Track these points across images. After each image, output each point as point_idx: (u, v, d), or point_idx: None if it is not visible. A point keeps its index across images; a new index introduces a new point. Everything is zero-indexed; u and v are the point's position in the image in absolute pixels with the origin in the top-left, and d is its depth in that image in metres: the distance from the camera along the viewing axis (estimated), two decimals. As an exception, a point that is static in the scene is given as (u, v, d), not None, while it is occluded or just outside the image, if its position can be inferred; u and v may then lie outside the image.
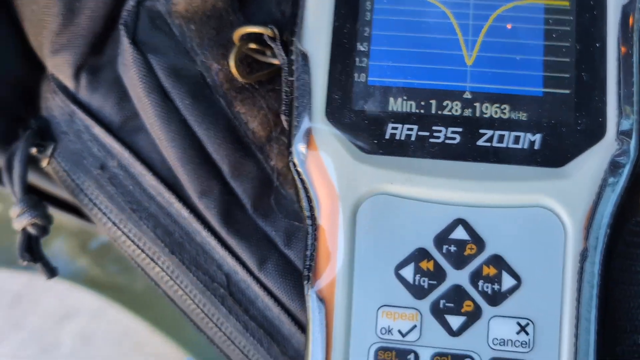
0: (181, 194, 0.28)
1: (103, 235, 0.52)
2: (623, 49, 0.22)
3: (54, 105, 0.29)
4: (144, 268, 0.30)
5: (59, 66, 0.27)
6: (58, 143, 0.29)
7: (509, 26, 0.24)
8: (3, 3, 0.29)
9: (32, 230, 0.28)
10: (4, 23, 0.29)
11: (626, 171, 0.22)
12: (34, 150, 0.28)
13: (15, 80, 0.30)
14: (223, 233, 0.27)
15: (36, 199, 0.28)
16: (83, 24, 0.27)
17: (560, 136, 0.22)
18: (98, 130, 0.28)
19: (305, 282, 0.23)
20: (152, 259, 0.29)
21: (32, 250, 0.28)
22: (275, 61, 0.26)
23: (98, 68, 0.28)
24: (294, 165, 0.23)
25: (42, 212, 0.28)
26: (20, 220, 0.27)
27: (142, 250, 0.29)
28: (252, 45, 0.26)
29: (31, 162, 0.29)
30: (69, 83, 0.28)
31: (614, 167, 0.22)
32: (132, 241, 0.29)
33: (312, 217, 0.23)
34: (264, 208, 0.27)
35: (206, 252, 0.28)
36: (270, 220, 0.27)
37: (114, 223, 0.29)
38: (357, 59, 0.24)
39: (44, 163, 0.29)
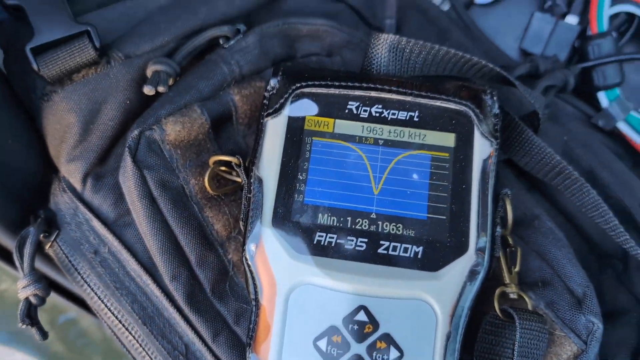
0: (156, 277, 0.35)
1: (72, 312, 0.58)
2: (481, 190, 0.32)
3: (61, 200, 0.36)
4: (119, 337, 0.36)
5: (71, 172, 0.35)
6: (61, 231, 0.36)
7: (405, 168, 0.33)
8: (31, 118, 0.37)
9: (33, 300, 0.35)
10: (29, 133, 0.37)
11: (480, 277, 0.30)
12: (41, 236, 0.36)
13: (32, 179, 0.37)
14: (186, 310, 0.35)
15: (40, 274, 0.35)
16: (94, 141, 0.35)
17: (436, 249, 0.31)
18: (96, 223, 0.35)
19: (247, 347, 0.30)
20: (127, 329, 0.36)
21: (31, 316, 0.35)
22: (238, 179, 0.35)
23: (102, 175, 0.36)
24: (246, 259, 0.31)
25: (44, 285, 0.35)
26: (26, 291, 0.34)
27: (120, 321, 0.36)
28: (222, 168, 0.35)
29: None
30: (77, 185, 0.36)
31: (472, 274, 0.30)
32: (112, 313, 0.36)
33: (256, 299, 0.31)
34: (220, 292, 0.35)
35: (171, 325, 0.36)
36: (225, 302, 0.35)
37: (99, 297, 0.36)
38: (297, 185, 0.32)
39: (47, 246, 0.36)
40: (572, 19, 0.51)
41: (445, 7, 0.53)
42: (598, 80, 0.49)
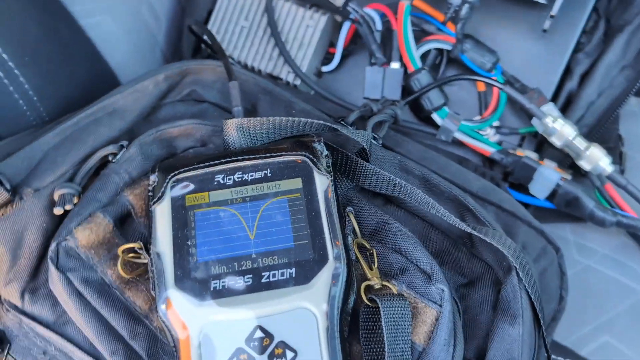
0: (99, 358, 0.42)
1: None
2: (327, 213, 0.41)
3: (7, 319, 0.43)
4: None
5: (10, 293, 0.43)
6: (12, 343, 0.43)
7: (270, 213, 0.42)
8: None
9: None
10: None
11: (341, 278, 0.39)
12: (-6, 354, 0.42)
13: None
14: (130, 378, 0.42)
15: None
16: (23, 264, 0.43)
17: (305, 266, 0.39)
18: (39, 329, 0.42)
19: (175, 385, 0.38)
20: None
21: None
22: (146, 261, 0.43)
23: (36, 289, 0.43)
24: (160, 317, 0.39)
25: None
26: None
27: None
28: (130, 255, 0.43)
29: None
30: (17, 302, 0.43)
31: (335, 277, 0.39)
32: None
33: (175, 345, 0.38)
34: (155, 354, 0.42)
35: None
36: (161, 362, 0.42)
37: (55, 391, 0.42)
38: (189, 250, 0.40)
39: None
40: (394, 65, 0.63)
41: (297, 82, 0.65)
42: (427, 106, 0.61)
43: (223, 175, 0.43)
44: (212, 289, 0.39)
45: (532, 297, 0.43)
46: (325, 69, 0.67)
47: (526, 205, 0.63)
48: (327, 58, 0.68)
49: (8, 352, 0.43)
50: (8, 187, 0.43)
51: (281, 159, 0.43)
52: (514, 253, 0.43)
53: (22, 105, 0.54)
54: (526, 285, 0.43)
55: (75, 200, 0.44)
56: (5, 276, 0.43)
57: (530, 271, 0.44)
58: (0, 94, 0.52)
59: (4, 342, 0.43)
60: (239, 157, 0.43)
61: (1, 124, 0.50)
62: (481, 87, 0.64)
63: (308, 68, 0.64)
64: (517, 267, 0.42)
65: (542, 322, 0.43)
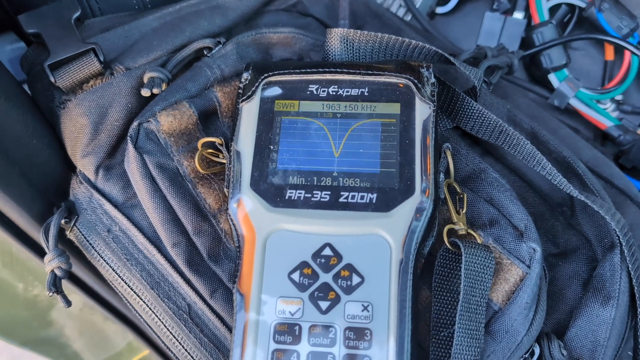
0: (160, 248, 0.41)
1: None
2: (422, 144, 0.38)
3: (78, 191, 0.43)
4: (131, 303, 0.42)
5: (86, 165, 0.42)
6: (79, 216, 0.43)
7: (360, 134, 0.39)
8: (51, 127, 0.44)
9: (58, 272, 0.41)
10: (49, 136, 0.44)
11: (426, 213, 0.36)
12: (63, 222, 0.42)
13: (53, 175, 0.44)
14: (187, 273, 0.40)
15: (63, 250, 0.41)
16: (103, 139, 0.42)
17: (387, 194, 0.36)
18: (108, 206, 0.42)
19: (233, 284, 0.36)
20: (137, 295, 0.42)
21: (56, 286, 0.41)
22: (224, 161, 0.41)
23: (111, 167, 0.43)
24: (230, 215, 0.37)
25: (66, 259, 0.41)
26: (51, 264, 0.40)
27: (131, 288, 0.42)
28: (210, 150, 0.41)
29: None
30: (91, 176, 0.42)
31: (418, 211, 0.36)
32: (125, 281, 0.42)
33: (239, 246, 0.37)
34: (215, 256, 0.41)
35: (175, 288, 0.41)
36: (219, 264, 0.40)
37: (113, 269, 0.42)
38: (269, 154, 0.38)
39: (68, 232, 0.43)
40: (518, 15, 0.57)
41: (407, 17, 0.61)
42: (546, 64, 0.55)
43: (317, 86, 0.40)
44: (286, 197, 0.37)
45: (634, 280, 0.38)
46: (440, 9, 0.62)
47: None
48: (444, -1, 0.63)
49: (75, 224, 0.42)
50: (102, 59, 0.42)
51: (382, 79, 0.40)
52: (622, 229, 0.38)
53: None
54: (630, 265, 0.38)
55: (164, 86, 0.43)
56: (84, 148, 0.42)
57: (636, 253, 0.39)
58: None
59: (73, 213, 0.43)
60: (337, 70, 0.40)
61: (104, 1, 0.49)
62: (609, 55, 0.57)
63: (422, 4, 0.60)
64: (624, 245, 0.38)
65: (639, 310, 0.38)
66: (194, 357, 0.41)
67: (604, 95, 0.56)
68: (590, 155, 0.47)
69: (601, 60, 0.59)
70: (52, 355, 0.63)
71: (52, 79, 0.41)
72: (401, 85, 0.39)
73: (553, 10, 0.58)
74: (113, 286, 0.42)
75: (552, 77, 0.56)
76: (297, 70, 0.40)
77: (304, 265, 0.35)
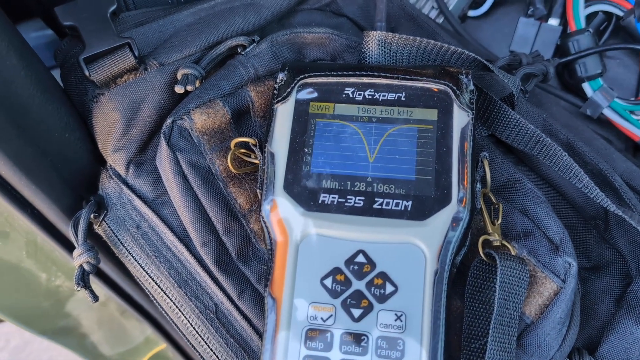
0: (189, 246, 0.41)
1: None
2: (460, 152, 0.37)
3: (108, 186, 0.43)
4: (158, 300, 0.42)
5: (116, 160, 0.42)
6: (108, 211, 0.42)
7: (395, 139, 0.38)
8: (83, 121, 0.44)
9: (86, 267, 0.41)
10: (81, 130, 0.44)
11: (462, 223, 0.35)
12: (92, 216, 0.42)
13: (83, 169, 0.44)
14: (215, 273, 0.40)
15: (91, 245, 0.41)
16: (135, 135, 0.42)
17: (423, 202, 0.36)
18: (137, 202, 0.42)
19: (265, 288, 0.35)
20: (164, 292, 0.41)
21: (84, 280, 0.41)
22: (256, 161, 0.41)
23: (142, 163, 0.42)
24: (262, 217, 0.37)
25: (95, 254, 0.41)
26: (80, 259, 0.40)
27: (159, 286, 0.41)
28: (242, 150, 0.41)
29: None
30: (122, 171, 0.42)
31: (455, 221, 0.35)
32: (152, 279, 0.41)
33: (272, 249, 0.36)
34: (244, 256, 0.40)
35: (203, 287, 0.41)
36: (248, 265, 0.40)
37: (141, 266, 0.42)
38: (303, 157, 0.38)
39: (96, 226, 0.43)
40: (553, 21, 0.57)
41: (439, 19, 0.60)
42: (581, 72, 0.55)
43: (354, 89, 0.40)
44: (320, 201, 0.36)
45: (671, 300, 0.37)
46: (472, 13, 0.61)
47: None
48: (477, 2, 0.62)
49: (104, 219, 0.42)
50: (136, 53, 0.42)
51: (420, 84, 0.39)
52: None
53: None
54: (667, 285, 0.37)
55: (198, 83, 0.43)
56: (116, 143, 0.42)
57: (674, 272, 0.38)
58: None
59: (102, 208, 0.42)
60: (375, 73, 0.40)
61: (139, -6, 0.48)
62: (645, 65, 0.56)
63: (455, 7, 0.59)
64: (662, 263, 0.37)
65: (674, 331, 0.38)
66: (219, 357, 0.41)
67: (638, 106, 0.55)
68: (625, 167, 0.46)
69: (636, 70, 0.58)
70: (70, 346, 0.64)
71: (87, 73, 0.41)
72: (439, 91, 0.39)
73: (589, 18, 0.57)
74: (140, 283, 0.42)
75: (586, 86, 0.55)
76: (334, 73, 0.40)
77: (336, 271, 0.35)
